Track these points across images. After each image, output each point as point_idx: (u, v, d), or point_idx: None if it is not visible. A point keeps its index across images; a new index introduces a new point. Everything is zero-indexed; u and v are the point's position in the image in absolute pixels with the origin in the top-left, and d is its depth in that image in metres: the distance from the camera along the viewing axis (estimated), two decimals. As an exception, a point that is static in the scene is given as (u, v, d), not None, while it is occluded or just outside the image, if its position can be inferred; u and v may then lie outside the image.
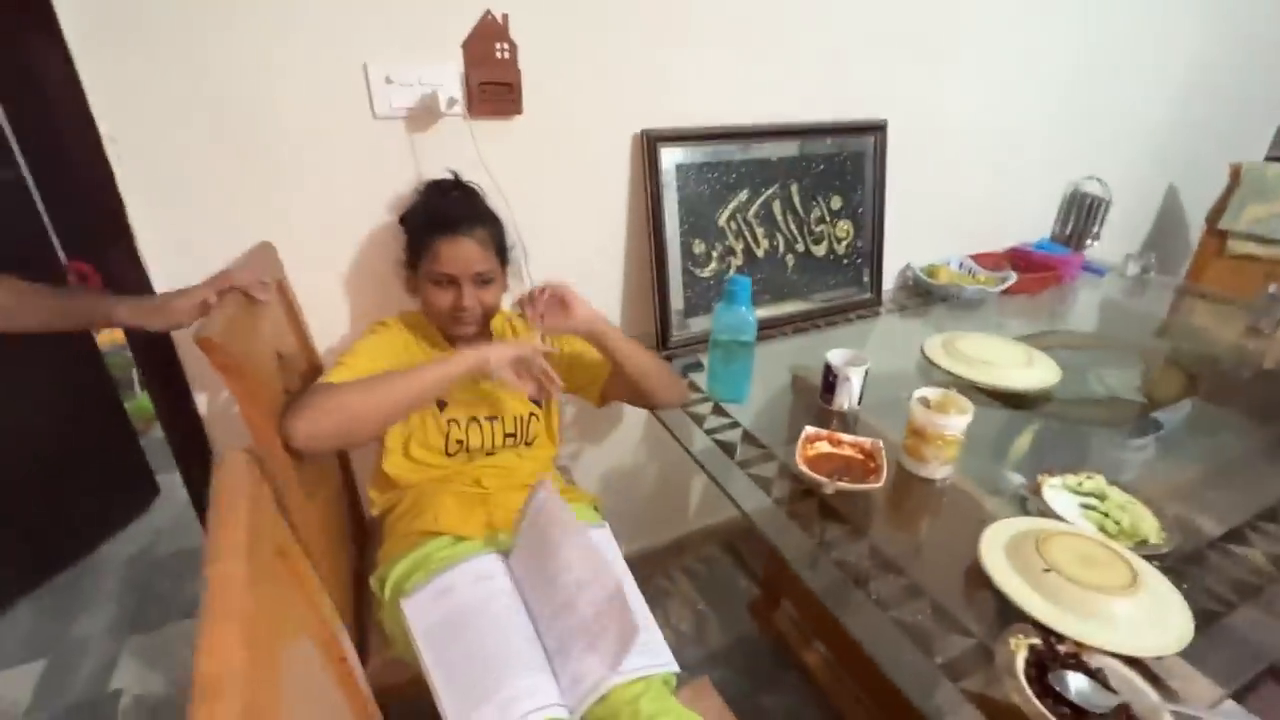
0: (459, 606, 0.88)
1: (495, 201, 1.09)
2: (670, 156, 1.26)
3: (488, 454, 1.08)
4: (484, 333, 1.08)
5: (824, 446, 0.99)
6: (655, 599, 1.67)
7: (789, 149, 1.39)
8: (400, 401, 0.88)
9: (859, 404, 1.13)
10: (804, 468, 0.92)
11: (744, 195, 1.36)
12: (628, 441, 1.57)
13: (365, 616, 1.03)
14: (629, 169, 1.27)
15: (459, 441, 1.04)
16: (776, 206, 1.41)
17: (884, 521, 0.90)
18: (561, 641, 0.85)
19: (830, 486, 0.89)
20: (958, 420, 0.92)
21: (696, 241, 1.33)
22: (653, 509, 1.71)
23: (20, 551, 1.62)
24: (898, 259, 1.70)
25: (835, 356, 1.13)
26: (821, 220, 1.47)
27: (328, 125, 1.00)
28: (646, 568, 1.73)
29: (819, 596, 0.77)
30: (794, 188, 1.42)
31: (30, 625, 1.57)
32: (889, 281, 1.68)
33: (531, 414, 1.11)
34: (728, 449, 1.03)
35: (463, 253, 0.96)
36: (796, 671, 1.46)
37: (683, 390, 1.14)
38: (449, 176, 1.04)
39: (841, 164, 1.47)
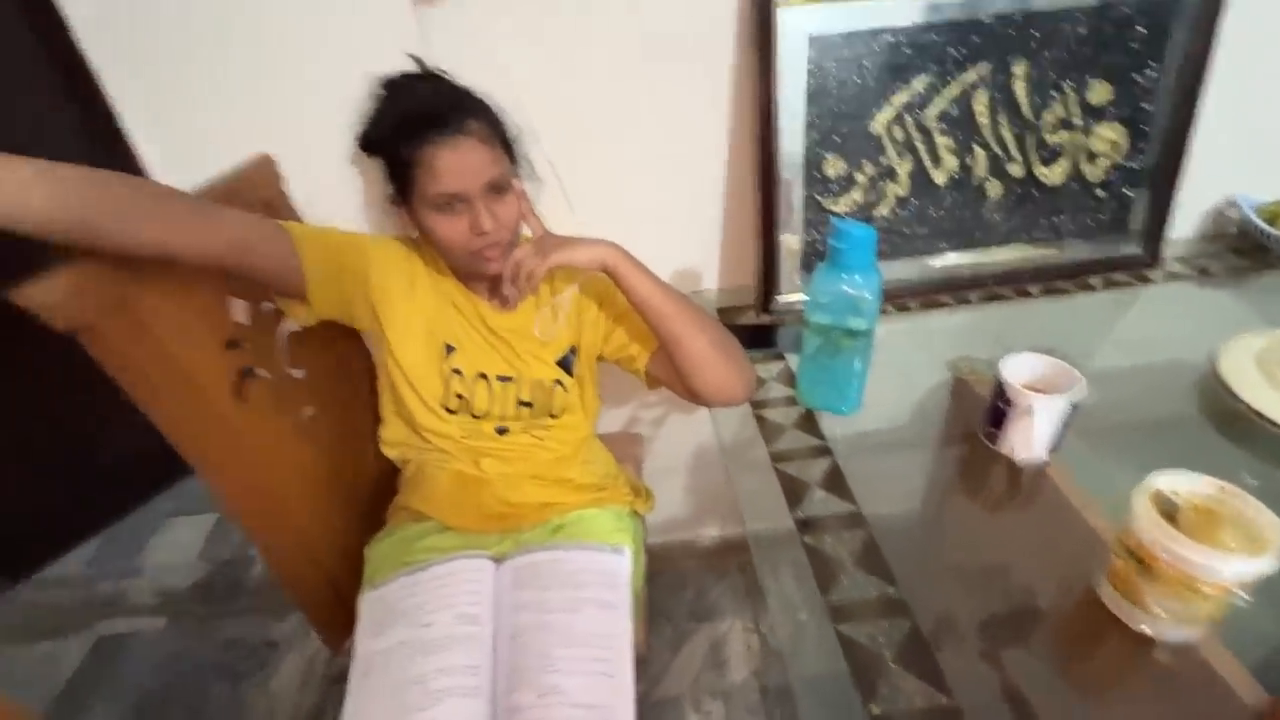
0: (408, 638, 0.71)
1: (514, 107, 0.79)
2: (797, 21, 0.82)
3: (499, 430, 0.86)
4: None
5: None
6: (748, 598, 1.39)
7: (1018, 1, 0.84)
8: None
9: (1049, 453, 0.67)
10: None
11: (922, 84, 0.87)
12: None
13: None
14: (731, 45, 0.86)
15: (459, 396, 0.83)
16: (980, 101, 0.88)
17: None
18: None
19: None
20: (1238, 565, 0.45)
21: (832, 158, 0.89)
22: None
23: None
24: (1208, 189, 1.03)
25: (1015, 367, 0.67)
26: (1065, 123, 0.91)
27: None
28: (746, 557, 1.44)
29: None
30: (1019, 69, 0.87)
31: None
32: (1182, 228, 1.04)
33: (557, 381, 0.85)
34: (793, 490, 0.68)
35: (465, 159, 0.70)
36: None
37: (742, 377, 0.77)
38: (410, 68, 0.76)
39: (1122, 27, 0.86)
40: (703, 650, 1.31)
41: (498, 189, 0.72)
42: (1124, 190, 0.95)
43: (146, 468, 1.74)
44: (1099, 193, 0.95)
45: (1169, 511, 0.50)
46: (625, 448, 1.10)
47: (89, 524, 1.68)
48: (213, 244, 0.63)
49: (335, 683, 1.32)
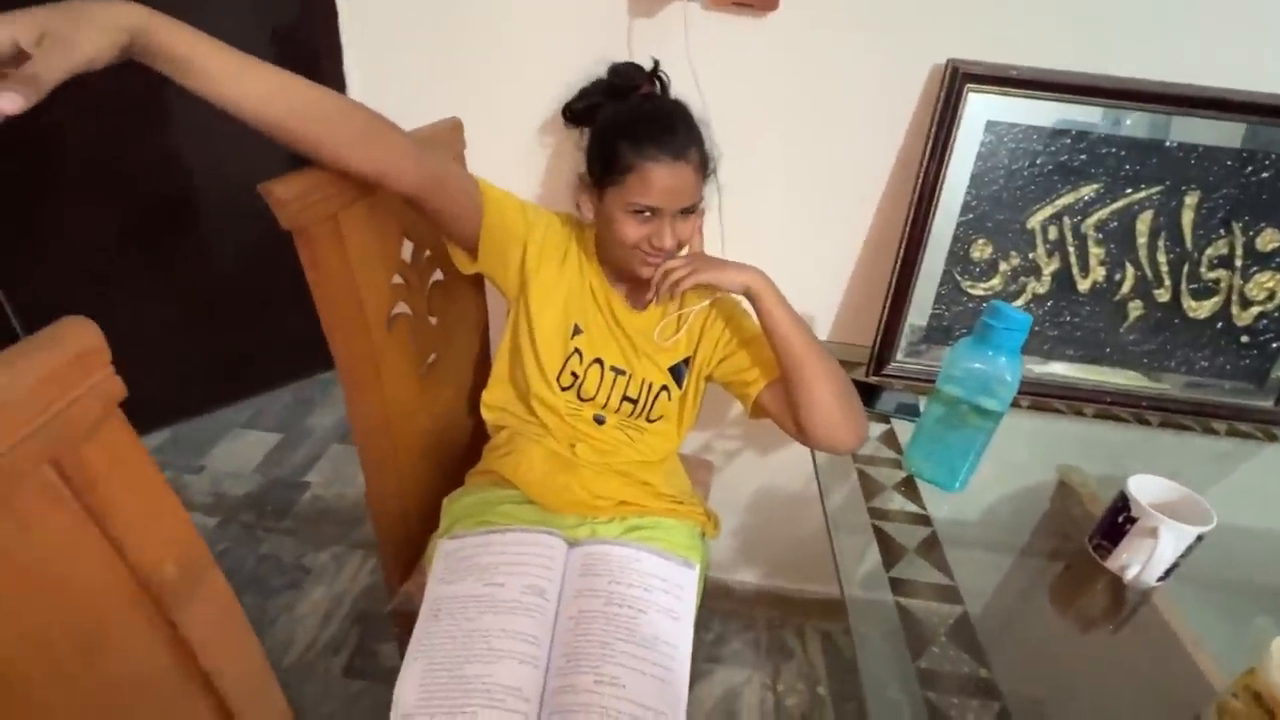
0: (480, 593, 0.73)
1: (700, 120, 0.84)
2: (982, 107, 0.85)
3: (596, 419, 0.89)
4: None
5: None
6: (769, 655, 1.36)
7: (1207, 133, 0.84)
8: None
9: (1160, 579, 0.66)
10: None
11: (1090, 191, 0.88)
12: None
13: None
14: (911, 114, 0.89)
15: (574, 375, 0.87)
16: (1144, 220, 0.89)
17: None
18: (567, 686, 0.67)
19: None
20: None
21: (980, 242, 0.91)
22: (815, 547, 1.37)
23: (303, 343, 1.94)
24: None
25: (1143, 485, 0.66)
26: (1225, 262, 0.90)
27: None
28: (776, 612, 1.42)
29: None
30: (1191, 199, 0.87)
31: (288, 404, 1.94)
32: (1323, 394, 1.00)
33: (664, 387, 0.88)
34: (890, 551, 0.68)
35: (678, 182, 0.74)
36: None
37: (855, 428, 0.78)
38: (645, 65, 0.82)
39: (1309, 179, 0.85)
40: (715, 694, 1.28)
41: (687, 212, 0.77)
42: (1271, 342, 0.93)
43: (231, 376, 1.85)
44: (1244, 338, 0.93)
45: (1307, 668, 0.48)
46: (696, 472, 1.11)
47: (166, 414, 1.78)
48: (417, 174, 0.66)
49: (357, 623, 1.35)
